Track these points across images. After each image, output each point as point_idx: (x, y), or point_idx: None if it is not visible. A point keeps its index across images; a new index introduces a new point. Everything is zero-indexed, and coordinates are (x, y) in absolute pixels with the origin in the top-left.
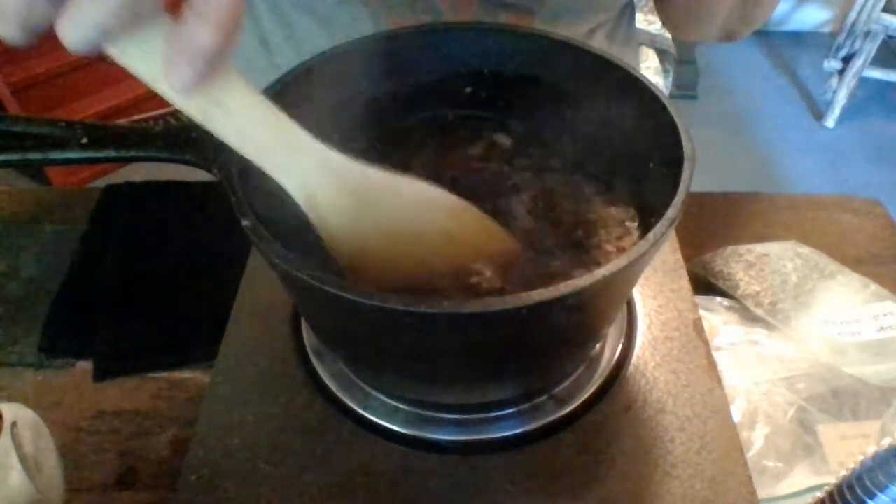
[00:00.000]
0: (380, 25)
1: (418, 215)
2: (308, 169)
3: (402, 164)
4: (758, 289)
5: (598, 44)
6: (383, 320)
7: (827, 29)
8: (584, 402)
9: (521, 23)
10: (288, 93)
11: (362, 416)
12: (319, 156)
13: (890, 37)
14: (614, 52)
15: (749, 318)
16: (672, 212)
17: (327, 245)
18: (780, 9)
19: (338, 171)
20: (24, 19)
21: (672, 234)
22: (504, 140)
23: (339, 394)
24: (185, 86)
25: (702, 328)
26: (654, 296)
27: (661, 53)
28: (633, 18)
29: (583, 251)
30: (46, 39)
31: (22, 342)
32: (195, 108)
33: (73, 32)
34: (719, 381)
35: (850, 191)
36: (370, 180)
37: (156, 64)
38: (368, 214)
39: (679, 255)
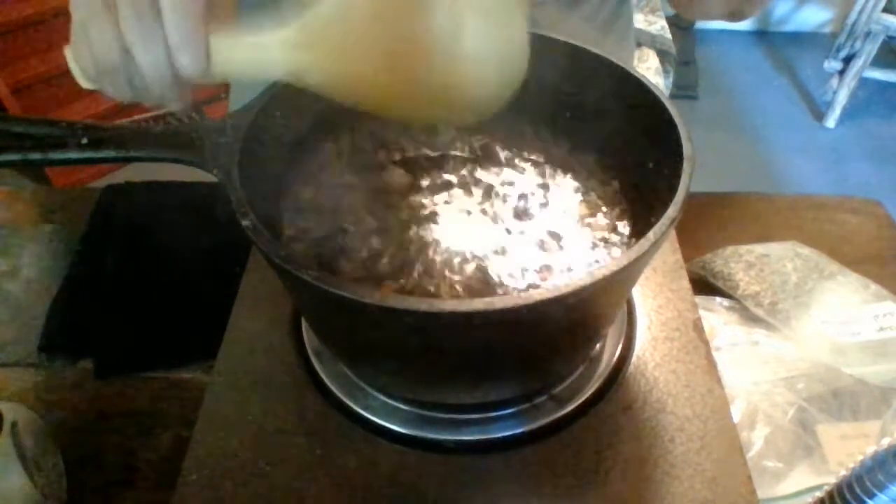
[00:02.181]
0: None
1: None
2: (280, 64)
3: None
4: (758, 289)
5: (577, 18)
6: (383, 320)
7: (827, 29)
8: (584, 402)
9: None
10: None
11: (362, 416)
12: (281, 48)
13: (890, 37)
14: (593, 29)
15: (749, 318)
16: (672, 211)
17: (332, 94)
18: (781, 9)
19: (296, 45)
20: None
21: (672, 234)
22: (498, 143)
23: (339, 394)
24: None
25: (702, 328)
26: (654, 296)
27: (662, 54)
28: (623, 3)
29: (579, 252)
30: (46, 39)
31: (22, 342)
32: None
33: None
34: (719, 381)
35: (850, 191)
36: (322, 25)
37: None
38: (335, 47)
39: (679, 255)
